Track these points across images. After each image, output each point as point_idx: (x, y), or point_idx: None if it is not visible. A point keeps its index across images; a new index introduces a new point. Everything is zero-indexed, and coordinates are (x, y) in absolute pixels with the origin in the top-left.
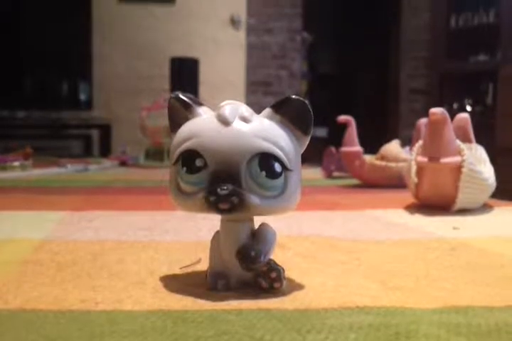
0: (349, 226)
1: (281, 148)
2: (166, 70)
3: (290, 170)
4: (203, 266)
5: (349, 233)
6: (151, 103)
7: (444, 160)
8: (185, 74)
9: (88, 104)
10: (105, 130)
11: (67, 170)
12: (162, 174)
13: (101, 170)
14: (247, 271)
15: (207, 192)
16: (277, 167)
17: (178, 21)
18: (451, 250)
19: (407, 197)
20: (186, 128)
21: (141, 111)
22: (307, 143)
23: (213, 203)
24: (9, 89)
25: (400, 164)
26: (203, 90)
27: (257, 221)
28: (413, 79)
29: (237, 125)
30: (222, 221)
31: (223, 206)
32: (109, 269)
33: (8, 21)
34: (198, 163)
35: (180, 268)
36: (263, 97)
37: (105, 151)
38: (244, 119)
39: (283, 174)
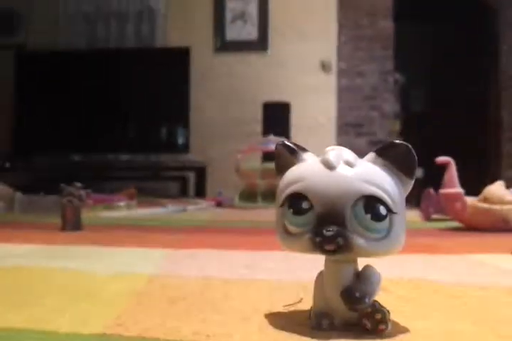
0: (453, 270)
1: (386, 191)
2: (258, 115)
3: (395, 213)
4: (304, 305)
5: (453, 277)
6: (244, 146)
7: None
8: (277, 118)
9: (185, 148)
10: (200, 172)
11: (168, 210)
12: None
13: (198, 210)
14: (352, 311)
15: (313, 234)
16: (382, 210)
17: (271, 68)
18: None
19: None
20: (292, 172)
21: (238, 155)
22: (411, 186)
23: (319, 244)
24: (115, 135)
25: (505, 207)
26: (295, 133)
27: (361, 262)
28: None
29: (342, 169)
30: (326, 261)
31: (329, 247)
32: (216, 305)
33: (113, 74)
34: (305, 205)
35: (284, 307)
36: (354, 138)
37: (200, 192)
38: (349, 163)
39: (388, 217)
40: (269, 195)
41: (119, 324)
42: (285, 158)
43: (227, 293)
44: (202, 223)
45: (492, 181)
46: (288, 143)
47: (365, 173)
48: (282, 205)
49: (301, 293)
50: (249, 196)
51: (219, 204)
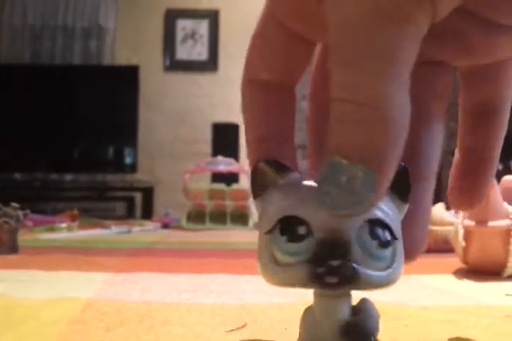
0: (396, 291)
1: (388, 215)
2: (207, 135)
3: (397, 239)
4: (247, 331)
5: (396, 298)
6: (193, 166)
7: (492, 223)
8: (226, 139)
9: (133, 168)
10: (148, 192)
11: (111, 232)
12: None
13: (144, 232)
14: None
15: (314, 263)
16: (387, 235)
17: (220, 88)
18: (506, 317)
19: (455, 261)
20: (284, 193)
21: (184, 175)
22: (406, 210)
23: (320, 276)
24: (59, 153)
25: (446, 228)
26: (244, 154)
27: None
28: (454, 140)
29: None
30: (317, 295)
31: (331, 279)
32: (156, 331)
33: (59, 91)
34: (301, 230)
35: (226, 332)
36: (300, 160)
37: (147, 213)
38: None
39: (392, 243)
40: (217, 216)
41: None
42: (267, 177)
43: (167, 318)
44: (146, 245)
45: (434, 203)
46: (274, 161)
47: None
48: (271, 231)
49: (245, 318)
50: (197, 217)
51: (166, 226)
